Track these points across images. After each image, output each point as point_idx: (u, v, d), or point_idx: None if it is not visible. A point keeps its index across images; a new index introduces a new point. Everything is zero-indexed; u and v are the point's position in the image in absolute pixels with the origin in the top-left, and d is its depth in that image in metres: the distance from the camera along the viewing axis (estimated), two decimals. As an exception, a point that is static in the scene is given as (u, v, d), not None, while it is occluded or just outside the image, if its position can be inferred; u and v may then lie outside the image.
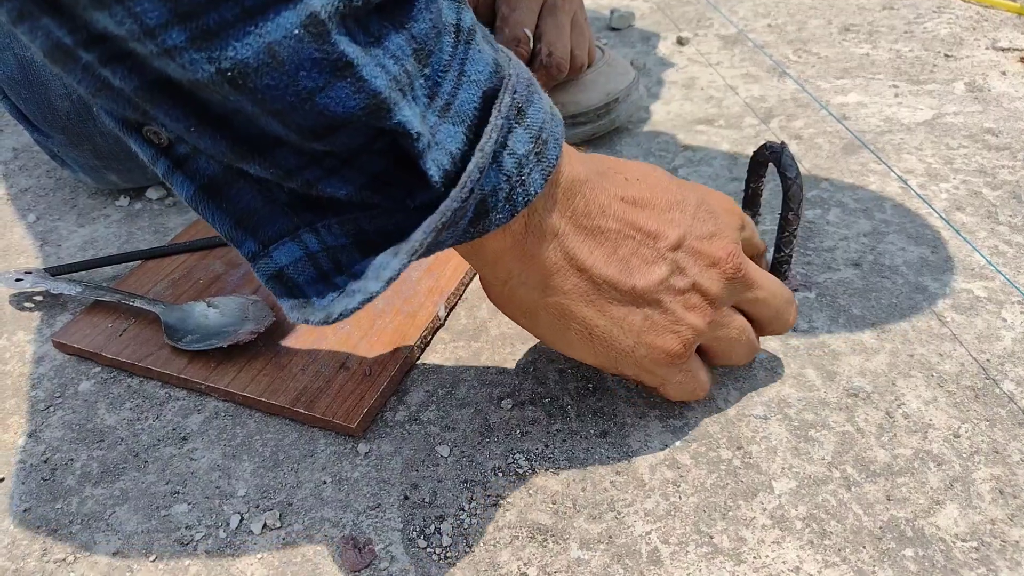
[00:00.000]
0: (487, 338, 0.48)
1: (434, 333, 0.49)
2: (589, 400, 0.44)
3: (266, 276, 0.31)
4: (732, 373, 0.45)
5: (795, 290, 0.50)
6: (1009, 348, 0.45)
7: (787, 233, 0.47)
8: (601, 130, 0.65)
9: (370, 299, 0.29)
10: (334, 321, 0.30)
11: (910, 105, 0.70)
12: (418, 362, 0.47)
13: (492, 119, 0.29)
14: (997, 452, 0.40)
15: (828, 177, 0.61)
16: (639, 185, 0.38)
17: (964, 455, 0.40)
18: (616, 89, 0.64)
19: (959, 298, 0.49)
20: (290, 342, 0.47)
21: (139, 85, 0.24)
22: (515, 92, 0.30)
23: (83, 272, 0.55)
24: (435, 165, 0.28)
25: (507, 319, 0.49)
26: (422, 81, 0.28)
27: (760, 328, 0.42)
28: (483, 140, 0.29)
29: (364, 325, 0.48)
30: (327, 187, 0.29)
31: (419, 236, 0.28)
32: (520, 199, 0.31)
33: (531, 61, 0.60)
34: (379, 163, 0.29)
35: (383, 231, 0.31)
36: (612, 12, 0.89)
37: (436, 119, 0.28)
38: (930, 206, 0.57)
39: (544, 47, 0.59)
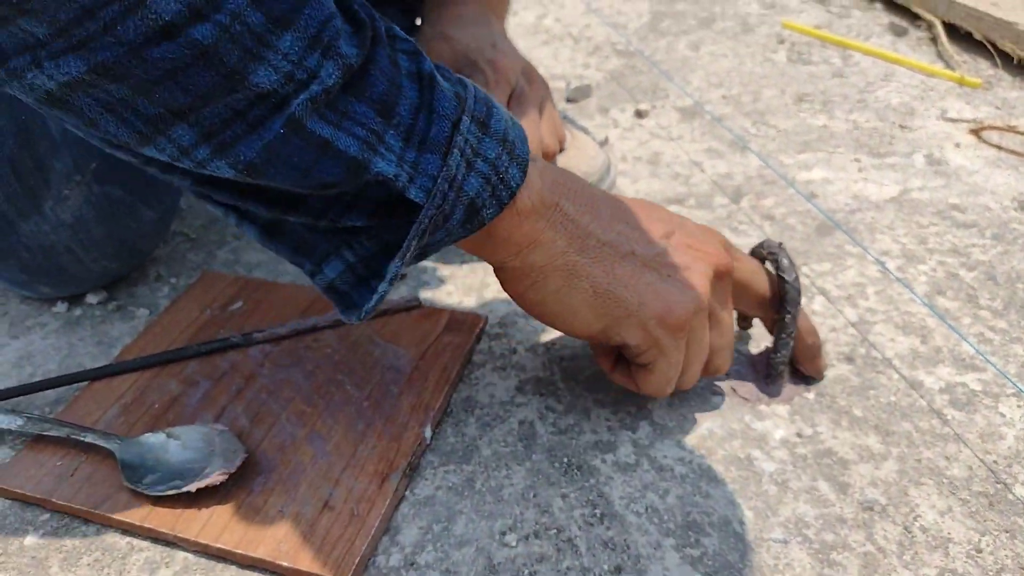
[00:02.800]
0: (479, 459, 0.45)
1: (421, 456, 0.45)
2: (598, 529, 0.41)
3: (323, 288, 0.39)
4: (745, 490, 0.42)
5: (792, 396, 0.48)
6: (1014, 447, 0.44)
7: (784, 335, 0.46)
8: None
9: (383, 296, 0.37)
10: (365, 317, 0.38)
11: (875, 180, 0.71)
12: (407, 493, 0.43)
13: (453, 142, 0.34)
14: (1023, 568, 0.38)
15: (806, 262, 0.60)
16: (630, 201, 0.44)
17: (990, 572, 0.38)
18: (588, 172, 0.63)
19: (955, 393, 0.48)
20: (265, 478, 0.43)
21: (191, 183, 0.35)
22: (474, 111, 0.36)
23: (21, 397, 0.50)
24: (419, 190, 0.34)
25: (498, 436, 0.46)
26: (393, 132, 0.34)
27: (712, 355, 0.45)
28: (448, 159, 0.34)
29: (346, 454, 0.44)
30: (348, 220, 0.36)
31: (408, 242, 0.35)
32: (504, 194, 0.37)
33: None
34: (380, 194, 0.36)
35: (399, 240, 0.37)
36: (568, 84, 0.88)
37: (416, 154, 0.34)
38: (914, 294, 0.56)
39: None
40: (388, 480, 0.42)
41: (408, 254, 0.35)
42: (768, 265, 0.47)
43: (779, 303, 0.46)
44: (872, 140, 0.77)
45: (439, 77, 0.36)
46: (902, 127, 0.80)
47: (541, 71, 0.95)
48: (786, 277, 0.44)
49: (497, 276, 0.42)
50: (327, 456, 0.44)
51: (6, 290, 0.61)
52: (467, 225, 0.37)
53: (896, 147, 0.76)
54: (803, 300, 0.56)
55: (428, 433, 0.46)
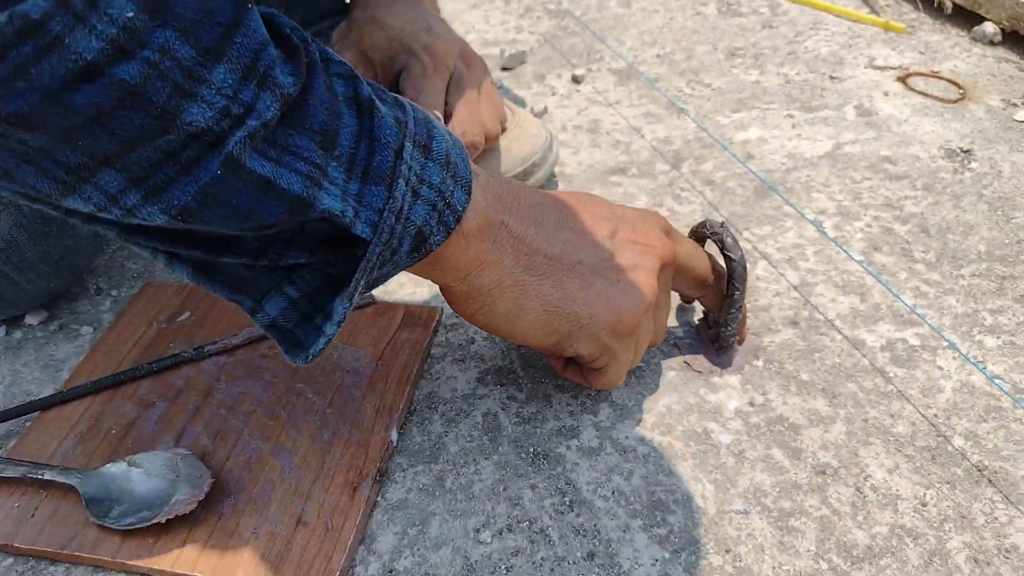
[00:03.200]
0: (447, 457, 0.46)
1: (389, 459, 0.46)
2: (568, 517, 0.42)
3: (264, 326, 0.37)
4: (704, 464, 0.44)
5: (742, 364, 0.50)
6: (951, 400, 0.47)
7: (733, 309, 0.47)
8: None
9: (330, 340, 0.36)
10: (311, 360, 0.36)
11: (809, 136, 0.72)
12: (379, 499, 0.44)
13: (398, 171, 0.34)
14: (963, 517, 0.41)
15: (747, 226, 0.62)
16: (567, 196, 0.44)
17: (935, 524, 0.41)
18: (531, 153, 0.63)
19: (896, 350, 0.50)
20: (234, 499, 0.43)
21: (117, 233, 0.32)
22: (415, 136, 0.35)
23: (-31, 434, 0.48)
24: (365, 225, 0.33)
25: (464, 431, 0.47)
26: (335, 164, 0.32)
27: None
28: (394, 191, 0.33)
29: (314, 466, 0.44)
30: (288, 258, 0.35)
31: (355, 280, 0.34)
32: (450, 219, 0.36)
33: None
34: (322, 229, 0.34)
35: (344, 273, 0.36)
36: (502, 52, 0.87)
37: (359, 185, 0.33)
38: (850, 256, 0.58)
39: (456, 126, 0.57)
40: (359, 490, 0.43)
41: (356, 294, 0.34)
42: (712, 244, 0.48)
43: (727, 279, 0.47)
44: (804, 94, 0.79)
45: (378, 102, 0.34)
46: (832, 78, 0.81)
47: (472, 37, 0.93)
48: (732, 256, 0.46)
49: (444, 296, 0.42)
50: (295, 470, 0.44)
51: (-64, 318, 0.58)
52: (414, 254, 0.36)
53: (827, 99, 0.77)
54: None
55: (394, 436, 0.46)
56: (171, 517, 0.41)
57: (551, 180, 0.68)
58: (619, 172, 0.69)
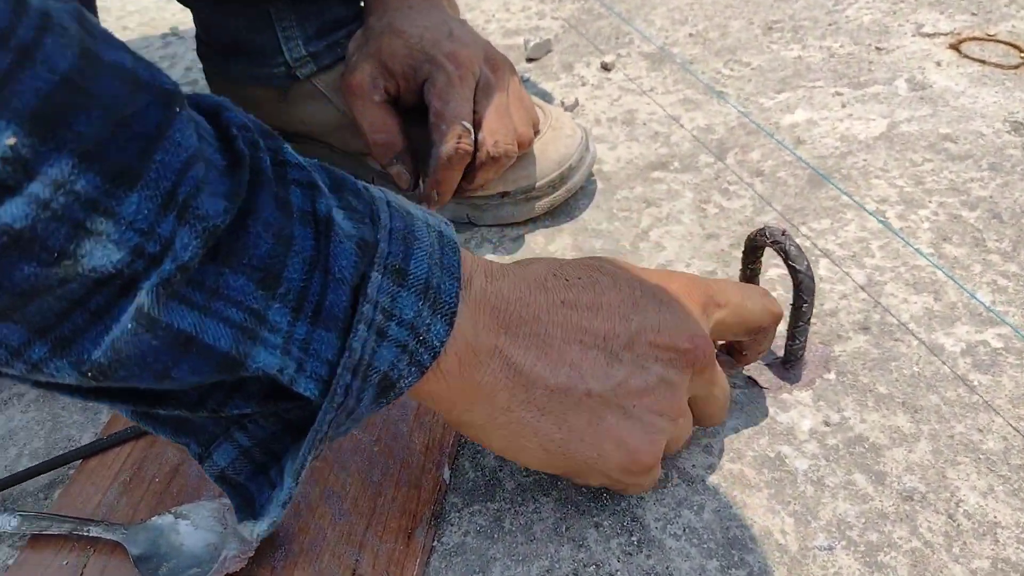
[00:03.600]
0: (503, 494, 0.43)
1: (443, 499, 0.43)
2: (638, 559, 0.40)
3: (214, 478, 0.32)
4: (781, 494, 0.41)
5: (813, 378, 0.47)
6: (1043, 408, 0.44)
7: (801, 323, 0.44)
8: (558, 201, 0.60)
9: (286, 506, 0.31)
10: (267, 532, 0.32)
11: (861, 116, 0.68)
12: (435, 543, 0.42)
13: (359, 314, 0.28)
14: (1069, 543, 0.38)
15: (804, 221, 0.58)
16: (581, 285, 0.36)
17: (1037, 552, 0.38)
18: (567, 155, 0.59)
19: (978, 354, 0.47)
20: (285, 551, 0.41)
21: (33, 385, 0.27)
22: (387, 259, 0.29)
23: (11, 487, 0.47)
24: (311, 381, 0.28)
25: (519, 465, 0.44)
26: (279, 305, 0.27)
27: (695, 421, 0.41)
28: (351, 340, 0.28)
29: (365, 511, 0.42)
30: (232, 409, 0.30)
31: (303, 453, 0.30)
32: (426, 357, 0.31)
33: (475, 153, 0.54)
34: (265, 382, 0.29)
35: (301, 419, 0.31)
36: (526, 42, 0.83)
37: (308, 328, 0.28)
38: (919, 252, 0.54)
39: (487, 137, 0.54)
40: (414, 536, 0.41)
41: (306, 464, 0.30)
42: (773, 251, 0.45)
43: (793, 292, 0.43)
44: (850, 69, 0.74)
45: (340, 220, 0.28)
46: (878, 49, 0.76)
47: (494, 27, 0.89)
48: (798, 267, 0.42)
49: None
50: (346, 516, 0.42)
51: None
52: (381, 400, 0.31)
53: (876, 73, 0.73)
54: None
55: (447, 474, 0.44)
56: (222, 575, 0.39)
57: (591, 180, 0.65)
58: (660, 167, 0.66)
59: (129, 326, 0.24)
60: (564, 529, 0.41)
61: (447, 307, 0.31)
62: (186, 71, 0.88)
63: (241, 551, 0.40)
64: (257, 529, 0.32)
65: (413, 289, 0.30)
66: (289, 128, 0.65)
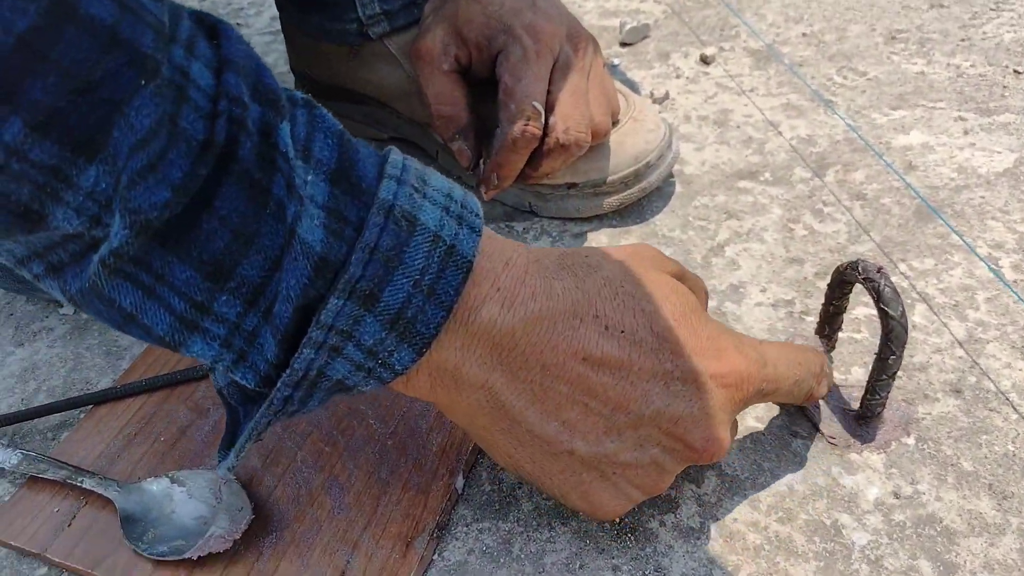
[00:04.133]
0: (518, 515, 0.39)
1: (452, 510, 0.40)
2: (654, 615, 0.35)
3: (216, 391, 0.31)
4: (831, 570, 0.36)
5: (889, 440, 0.41)
6: None
7: (885, 376, 0.38)
8: (630, 199, 0.55)
9: (236, 462, 0.31)
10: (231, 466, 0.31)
11: (985, 147, 0.60)
12: (435, 556, 0.38)
13: (304, 342, 0.26)
14: None
15: (904, 257, 0.51)
16: (618, 340, 0.31)
17: None
18: (646, 151, 0.54)
19: (1090, 441, 0.40)
20: (277, 537, 0.38)
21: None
22: (358, 282, 0.26)
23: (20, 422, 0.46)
24: (249, 372, 0.28)
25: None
26: (227, 297, 0.26)
27: None
28: (295, 362, 0.27)
29: (367, 509, 0.39)
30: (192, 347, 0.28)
31: (240, 443, 0.30)
32: (386, 375, 0.29)
33: (544, 138, 0.50)
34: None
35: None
36: (623, 24, 0.78)
37: (258, 322, 0.27)
38: (1035, 302, 0.47)
39: (559, 122, 0.49)
40: (413, 546, 0.37)
41: (245, 448, 0.30)
42: (864, 290, 0.39)
43: (881, 340, 0.38)
44: (980, 92, 0.66)
45: (305, 230, 0.25)
46: (1017, 72, 0.68)
47: (591, 6, 0.84)
48: (891, 312, 0.36)
49: None
50: (346, 510, 0.39)
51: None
52: (335, 395, 0.30)
53: (1010, 100, 0.65)
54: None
55: (460, 483, 0.40)
56: (203, 554, 0.37)
57: (670, 182, 0.59)
58: (749, 176, 0.60)
59: (87, 284, 0.25)
60: (578, 567, 0.37)
61: (420, 337, 0.28)
62: (271, 20, 0.87)
63: (228, 531, 0.37)
64: (224, 464, 0.31)
65: (381, 318, 0.27)
66: (357, 88, 0.61)
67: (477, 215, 0.30)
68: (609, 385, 0.31)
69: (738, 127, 0.65)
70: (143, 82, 0.21)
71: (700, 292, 0.38)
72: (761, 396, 0.35)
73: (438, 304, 0.28)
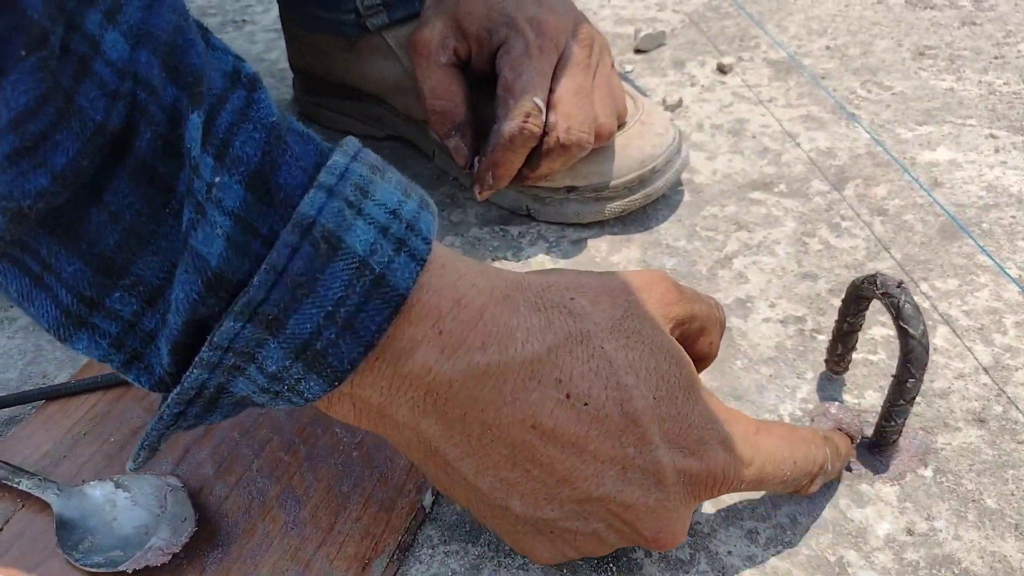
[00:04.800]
0: (489, 538, 0.36)
1: (418, 529, 0.36)
2: (632, 658, 0.31)
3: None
4: (832, 616, 0.32)
5: (904, 472, 0.37)
6: None
7: (903, 401, 0.35)
8: (633, 206, 0.52)
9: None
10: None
11: (1016, 166, 0.56)
12: (396, 580, 0.34)
13: (195, 362, 0.23)
14: None
15: (927, 277, 0.48)
16: (578, 413, 0.27)
17: None
18: (652, 155, 0.51)
19: None
20: (223, 552, 0.35)
21: None
22: (260, 306, 0.23)
23: (-31, 415, 0.43)
24: (144, 375, 0.25)
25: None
26: (121, 294, 0.23)
27: None
28: (185, 380, 0.24)
29: (323, 525, 0.35)
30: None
31: (140, 448, 0.27)
32: (296, 400, 0.26)
33: (543, 136, 0.47)
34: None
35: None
36: (637, 31, 0.75)
37: (156, 323, 0.24)
38: (1071, 328, 0.43)
39: (560, 120, 0.46)
40: (370, 568, 0.34)
41: (141, 455, 0.27)
42: (883, 306, 0.35)
43: (900, 360, 0.34)
44: (1012, 110, 0.62)
45: (199, 242, 0.22)
46: (1053, 92, 0.64)
47: (607, 13, 0.81)
48: (911, 331, 0.33)
49: None
50: (300, 527, 0.35)
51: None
52: (244, 408, 0.28)
53: (1045, 119, 0.61)
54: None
55: (428, 500, 0.37)
56: (140, 568, 0.33)
57: (677, 190, 0.56)
58: (763, 187, 0.56)
59: None
60: (551, 598, 0.33)
61: (332, 370, 0.24)
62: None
63: (168, 543, 0.34)
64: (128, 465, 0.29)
65: (286, 346, 0.24)
66: (354, 84, 0.59)
67: (425, 239, 0.25)
68: (557, 459, 0.27)
69: (754, 137, 0.61)
70: (23, 53, 0.18)
71: (714, 326, 0.33)
72: (740, 483, 0.30)
73: (356, 339, 0.24)
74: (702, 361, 0.34)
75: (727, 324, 0.45)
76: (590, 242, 0.52)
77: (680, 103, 0.66)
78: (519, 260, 0.51)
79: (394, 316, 0.24)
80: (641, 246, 0.52)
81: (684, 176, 0.57)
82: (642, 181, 0.51)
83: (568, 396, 0.26)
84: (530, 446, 0.27)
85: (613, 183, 0.51)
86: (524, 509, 0.28)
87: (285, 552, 0.34)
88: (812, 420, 0.37)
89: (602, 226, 0.53)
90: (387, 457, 0.38)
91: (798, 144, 0.60)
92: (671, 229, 0.53)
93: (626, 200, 0.51)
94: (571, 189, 0.51)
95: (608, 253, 0.51)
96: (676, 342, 0.30)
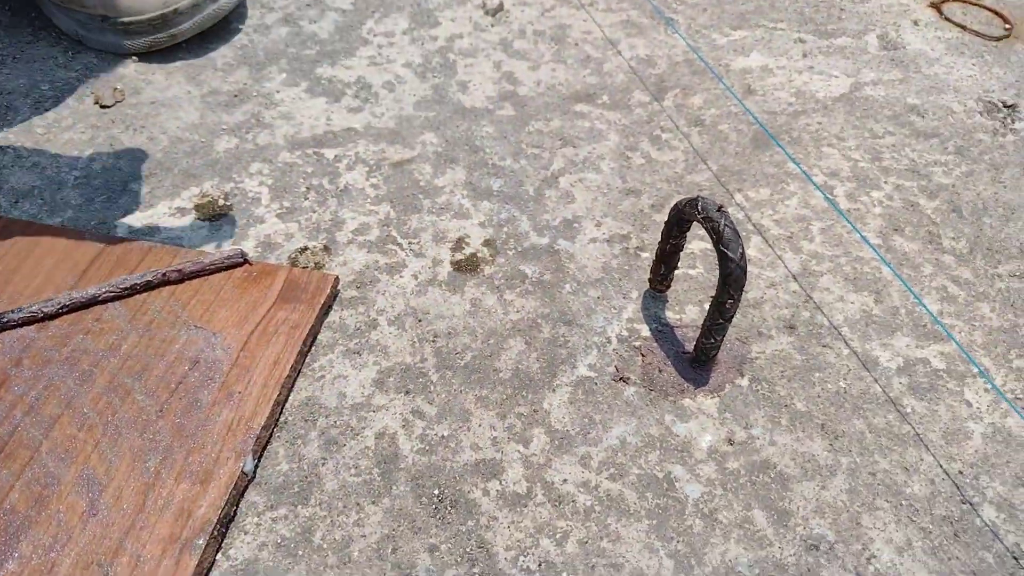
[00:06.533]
0: (321, 496, 0.34)
1: (240, 499, 0.34)
2: (473, 601, 0.31)
3: None
4: (664, 528, 0.33)
5: (723, 383, 0.38)
6: (981, 451, 0.37)
7: (722, 320, 0.36)
8: (160, 44, 0.53)
9: None
10: None
11: (822, 70, 0.58)
12: (219, 556, 0.32)
13: None
14: (992, 625, 0.31)
15: (741, 187, 0.49)
16: None
17: (954, 633, 0.31)
18: None
19: (916, 374, 0.39)
20: (11, 552, 0.31)
21: None
22: None
23: None
24: None
25: (349, 459, 0.35)
26: None
27: None
28: None
29: (130, 507, 0.32)
30: None
31: None
32: None
33: None
34: None
35: None
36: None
37: None
38: (863, 237, 0.46)
39: None
40: (188, 550, 0.31)
41: None
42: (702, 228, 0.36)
43: (720, 282, 0.35)
44: (819, 13, 0.64)
45: None
46: (851, -5, 0.67)
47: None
48: (730, 255, 0.33)
49: None
50: (103, 512, 0.32)
51: None
52: None
53: (846, 23, 0.63)
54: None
55: (249, 464, 0.34)
56: (-95, 587, 0.29)
57: (498, 104, 0.53)
58: (587, 99, 0.55)
59: None
60: (390, 551, 0.32)
61: None
62: None
63: (-63, 554, 0.29)
64: None
65: None
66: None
67: None
68: None
69: (576, 44, 0.60)
70: None
71: None
72: None
73: None
74: None
75: (556, 247, 0.44)
76: (410, 167, 0.50)
77: (501, 7, 0.62)
78: (335, 185, 0.47)
79: None
80: (467, 168, 0.49)
81: (507, 88, 0.55)
82: (165, 21, 0.52)
83: None
84: None
85: (137, 18, 0.52)
86: None
87: (88, 543, 0.31)
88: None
89: (380, 142, 0.50)
90: (200, 422, 0.35)
91: (619, 52, 0.59)
92: (497, 148, 0.51)
93: (151, 37, 0.53)
94: (104, 19, 0.52)
95: (432, 177, 0.49)
96: None
